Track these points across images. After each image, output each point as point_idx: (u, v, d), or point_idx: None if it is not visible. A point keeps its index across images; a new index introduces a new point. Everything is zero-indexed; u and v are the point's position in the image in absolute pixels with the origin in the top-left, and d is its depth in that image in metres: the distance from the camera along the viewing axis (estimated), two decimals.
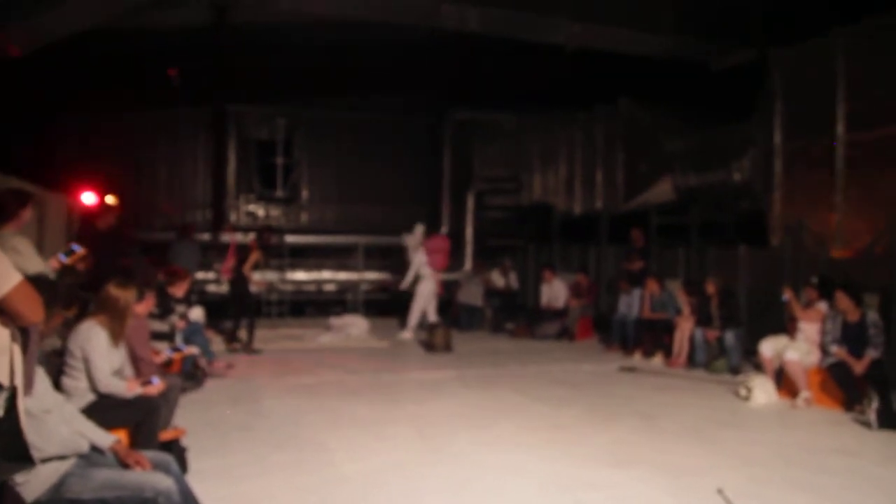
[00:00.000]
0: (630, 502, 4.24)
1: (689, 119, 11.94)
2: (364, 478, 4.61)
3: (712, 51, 10.79)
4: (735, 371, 8.25)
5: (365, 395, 7.16)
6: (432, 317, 11.52)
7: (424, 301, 11.49)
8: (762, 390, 6.99)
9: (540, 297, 12.17)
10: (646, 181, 12.33)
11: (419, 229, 11.95)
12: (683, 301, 9.13)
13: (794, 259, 9.17)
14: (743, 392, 7.08)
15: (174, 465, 3.40)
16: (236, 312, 9.91)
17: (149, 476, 3.14)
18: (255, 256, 9.88)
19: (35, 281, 2.50)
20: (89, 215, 9.31)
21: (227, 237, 11.08)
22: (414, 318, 11.44)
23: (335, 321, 11.61)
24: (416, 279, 11.60)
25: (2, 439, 2.25)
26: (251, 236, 10.75)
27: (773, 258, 9.53)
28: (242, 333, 9.74)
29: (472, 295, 12.91)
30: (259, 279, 11.07)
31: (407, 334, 11.29)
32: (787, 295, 7.42)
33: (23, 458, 2.39)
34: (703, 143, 11.44)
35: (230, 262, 10.09)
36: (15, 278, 2.31)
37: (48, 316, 3.49)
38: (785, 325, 7.74)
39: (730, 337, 8.38)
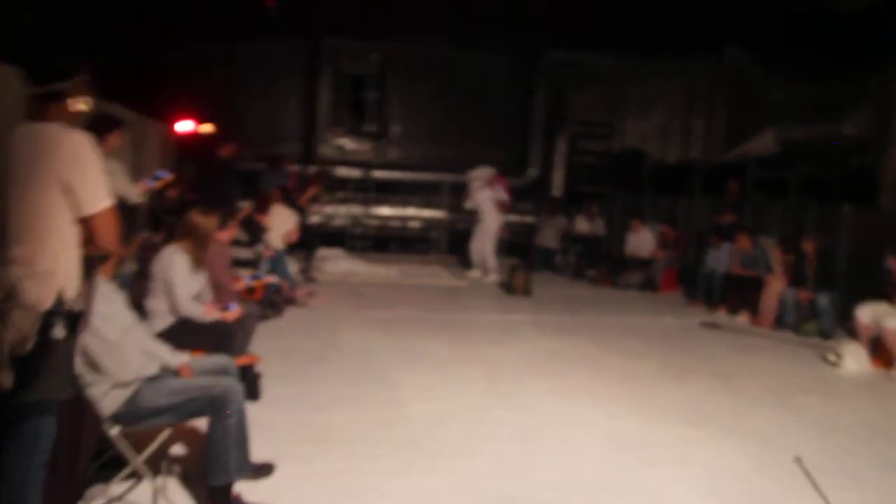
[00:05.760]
0: (695, 465, 4.10)
1: (800, 68, 11.15)
2: (430, 418, 4.66)
3: None
4: (826, 335, 7.83)
5: (439, 333, 7.20)
6: (478, 256, 11.44)
7: (492, 240, 11.33)
8: (854, 357, 6.62)
9: (625, 246, 11.87)
10: (747, 132, 11.69)
11: (489, 170, 11.61)
12: (777, 259, 8.68)
13: None
14: (832, 357, 6.73)
15: (232, 368, 3.69)
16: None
17: (213, 377, 3.47)
18: (312, 190, 10.24)
19: (118, 205, 2.65)
20: (210, 144, 9.56)
21: (287, 168, 11.32)
22: (490, 259, 11.29)
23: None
24: (479, 217, 11.39)
25: (56, 357, 2.46)
26: (313, 170, 11.30)
27: (880, 220, 8.89)
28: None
29: (548, 237, 12.92)
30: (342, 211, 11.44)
31: (492, 277, 11.11)
32: (891, 263, 6.94)
33: (66, 382, 2.60)
34: (814, 93, 10.71)
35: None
36: (107, 202, 2.57)
37: (128, 240, 3.65)
38: (886, 293, 7.26)
39: (824, 299, 7.94)
